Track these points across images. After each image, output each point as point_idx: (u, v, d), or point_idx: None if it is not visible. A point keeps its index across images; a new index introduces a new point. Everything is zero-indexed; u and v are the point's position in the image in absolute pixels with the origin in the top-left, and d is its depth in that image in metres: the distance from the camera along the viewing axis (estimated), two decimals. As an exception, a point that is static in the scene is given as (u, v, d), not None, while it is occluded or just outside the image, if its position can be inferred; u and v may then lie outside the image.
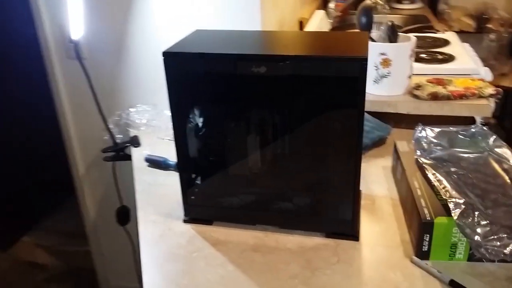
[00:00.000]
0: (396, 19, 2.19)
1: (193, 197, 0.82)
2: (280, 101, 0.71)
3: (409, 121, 1.15)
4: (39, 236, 2.16)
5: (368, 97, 1.10)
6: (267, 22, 1.23)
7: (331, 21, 1.93)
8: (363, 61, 0.63)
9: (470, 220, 0.67)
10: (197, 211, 0.83)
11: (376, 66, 1.13)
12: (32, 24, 1.31)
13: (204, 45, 0.75)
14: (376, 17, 1.21)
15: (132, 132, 1.22)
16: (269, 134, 0.74)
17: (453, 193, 0.72)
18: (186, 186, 0.81)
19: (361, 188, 0.90)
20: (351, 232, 0.77)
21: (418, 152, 0.86)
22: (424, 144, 0.88)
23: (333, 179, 0.75)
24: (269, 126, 0.73)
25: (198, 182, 0.82)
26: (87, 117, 1.36)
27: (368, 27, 1.11)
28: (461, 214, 0.67)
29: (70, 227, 2.07)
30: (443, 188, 0.74)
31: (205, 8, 1.19)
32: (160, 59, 0.69)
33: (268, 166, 0.77)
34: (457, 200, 0.69)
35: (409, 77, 1.16)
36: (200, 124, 0.76)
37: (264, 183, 0.79)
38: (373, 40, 1.14)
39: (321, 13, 1.99)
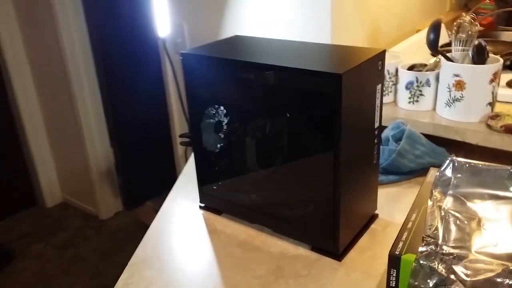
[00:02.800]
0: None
1: (207, 188, 0.90)
2: (266, 110, 0.73)
3: (482, 155, 1.03)
4: (158, 203, 2.49)
5: (436, 120, 1.04)
6: (348, 34, 1.22)
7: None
8: (338, 78, 0.62)
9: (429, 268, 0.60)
10: (210, 200, 0.91)
11: (448, 88, 1.04)
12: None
13: (222, 50, 0.81)
14: (469, 35, 1.09)
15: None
16: (262, 140, 0.77)
17: (437, 233, 0.65)
18: (201, 177, 0.90)
19: (380, 213, 0.87)
20: (332, 250, 0.75)
21: (438, 184, 0.78)
22: (451, 176, 0.79)
23: (315, 195, 0.74)
24: (262, 133, 0.76)
25: (212, 175, 0.89)
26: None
27: (435, 44, 1.01)
28: (426, 257, 0.61)
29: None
30: (432, 226, 0.67)
31: (283, 17, 1.24)
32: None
33: (264, 171, 0.80)
34: (431, 241, 0.62)
35: (489, 104, 1.03)
36: (211, 123, 0.83)
37: (262, 187, 0.82)
38: (448, 59, 1.04)
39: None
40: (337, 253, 0.75)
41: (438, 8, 1.96)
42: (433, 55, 1.14)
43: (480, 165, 0.80)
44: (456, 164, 0.81)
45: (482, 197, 0.74)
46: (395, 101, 1.18)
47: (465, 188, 0.76)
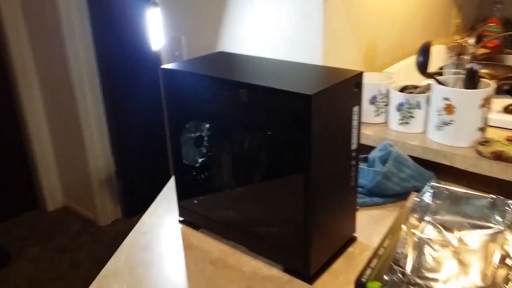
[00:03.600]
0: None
1: (186, 202, 0.90)
2: (242, 127, 0.73)
3: (471, 180, 1.01)
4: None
5: (426, 143, 1.02)
6: (341, 54, 1.22)
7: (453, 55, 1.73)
8: (307, 98, 0.61)
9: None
10: (188, 214, 0.90)
11: (438, 111, 1.02)
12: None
13: (202, 65, 0.81)
14: (461, 59, 1.08)
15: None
16: (238, 157, 0.76)
17: (405, 262, 0.63)
18: (180, 191, 0.89)
19: (360, 236, 0.85)
20: (303, 273, 0.74)
21: (416, 209, 0.76)
22: (429, 202, 0.77)
23: (288, 215, 0.73)
24: (238, 149, 0.76)
25: (191, 189, 0.89)
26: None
27: (423, 66, 1.00)
28: (391, 286, 0.59)
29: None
30: (402, 253, 0.65)
31: (276, 35, 1.24)
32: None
33: (240, 188, 0.80)
34: (399, 269, 0.61)
35: (480, 129, 1.01)
36: (191, 137, 0.83)
37: (238, 204, 0.82)
38: (439, 82, 1.03)
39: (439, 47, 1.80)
40: (308, 276, 0.73)
41: (443, 29, 1.95)
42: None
43: (461, 193, 0.79)
44: (436, 190, 0.79)
45: (460, 226, 0.72)
46: (386, 122, 1.17)
47: (444, 216, 0.75)
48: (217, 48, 1.38)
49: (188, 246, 0.85)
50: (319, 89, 0.63)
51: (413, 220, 0.74)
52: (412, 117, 1.09)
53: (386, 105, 1.16)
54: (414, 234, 0.70)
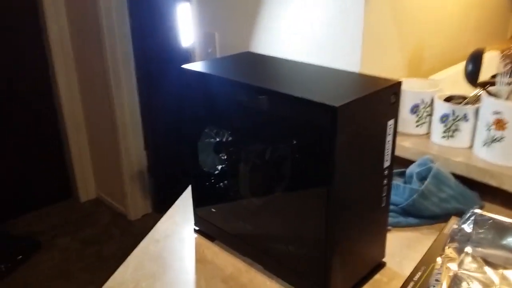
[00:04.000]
0: None
1: (202, 211, 0.84)
2: (261, 136, 0.66)
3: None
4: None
5: (472, 160, 0.92)
6: (382, 59, 1.12)
7: (508, 64, 1.58)
8: (333, 111, 0.54)
9: None
10: (204, 224, 0.85)
11: (487, 126, 0.91)
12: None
13: (223, 67, 0.75)
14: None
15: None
16: (256, 167, 0.70)
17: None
18: (197, 199, 0.84)
19: (390, 261, 0.77)
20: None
21: (455, 238, 0.67)
22: (471, 231, 0.68)
23: (308, 235, 0.66)
24: (256, 159, 0.69)
25: (207, 198, 0.83)
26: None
27: (473, 76, 0.90)
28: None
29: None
30: (437, 292, 0.57)
31: (311, 36, 1.16)
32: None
33: (257, 200, 0.73)
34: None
35: (536, 148, 0.89)
36: (210, 143, 0.77)
37: (255, 217, 0.75)
38: (490, 94, 0.92)
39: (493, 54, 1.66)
40: (327, 303, 0.66)
41: (499, 33, 1.79)
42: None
43: (508, 223, 0.68)
44: (479, 217, 0.70)
45: (505, 262, 0.63)
46: (429, 133, 1.06)
47: (486, 249, 0.65)
48: (249, 47, 1.32)
49: (200, 260, 0.79)
50: (347, 101, 0.55)
51: (450, 251, 0.65)
52: (457, 130, 0.99)
53: (429, 115, 1.06)
54: (450, 268, 0.61)
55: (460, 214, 0.86)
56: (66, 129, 2.60)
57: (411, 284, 0.60)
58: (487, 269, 0.61)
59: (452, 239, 0.67)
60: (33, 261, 2.21)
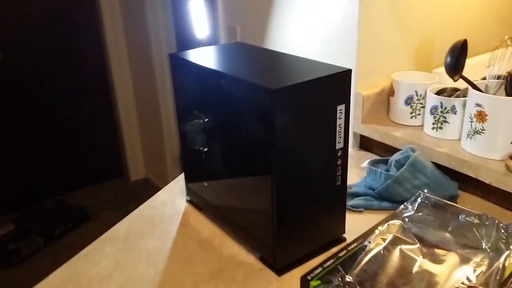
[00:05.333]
0: None
1: (192, 183, 0.95)
2: (227, 117, 0.75)
3: (499, 197, 0.92)
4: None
5: (453, 151, 0.95)
6: (379, 48, 1.16)
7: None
8: (271, 93, 0.62)
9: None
10: (193, 196, 0.96)
11: (470, 118, 0.94)
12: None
13: (205, 55, 0.84)
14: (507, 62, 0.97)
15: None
16: (224, 147, 0.79)
17: (353, 266, 0.61)
18: (186, 173, 0.95)
19: (349, 237, 0.83)
20: (272, 264, 0.75)
21: (398, 216, 0.72)
22: (414, 212, 0.73)
23: (263, 207, 0.74)
24: (224, 140, 0.78)
25: (194, 172, 0.94)
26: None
27: (452, 69, 0.92)
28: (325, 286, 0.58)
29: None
30: (356, 259, 0.63)
31: (312, 32, 1.23)
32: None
33: (224, 176, 0.82)
34: (340, 273, 0.59)
35: (517, 142, 0.91)
36: (197, 123, 0.87)
37: (225, 191, 0.84)
38: (474, 87, 0.94)
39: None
40: (276, 267, 0.74)
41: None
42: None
43: (452, 207, 0.73)
44: (425, 200, 0.75)
45: (438, 241, 0.68)
46: (423, 125, 1.10)
47: (423, 228, 0.70)
48: (265, 40, 1.41)
49: (184, 224, 0.90)
50: (286, 84, 0.63)
51: (392, 227, 0.71)
52: (446, 122, 1.02)
53: (423, 107, 1.09)
54: (383, 240, 0.67)
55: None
56: (120, 115, 2.84)
57: (343, 251, 0.67)
58: (415, 246, 0.66)
59: (394, 217, 0.72)
60: (82, 229, 2.46)
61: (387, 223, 0.71)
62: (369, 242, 0.66)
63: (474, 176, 0.92)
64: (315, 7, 1.19)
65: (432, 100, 1.03)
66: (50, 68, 2.62)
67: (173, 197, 1.00)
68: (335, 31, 1.15)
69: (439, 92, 1.05)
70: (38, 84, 2.60)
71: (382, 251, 0.64)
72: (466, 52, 0.92)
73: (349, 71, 0.70)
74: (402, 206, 0.75)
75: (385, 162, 1.03)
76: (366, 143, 1.20)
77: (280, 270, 0.75)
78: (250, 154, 0.72)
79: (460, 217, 0.70)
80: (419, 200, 0.75)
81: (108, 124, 2.90)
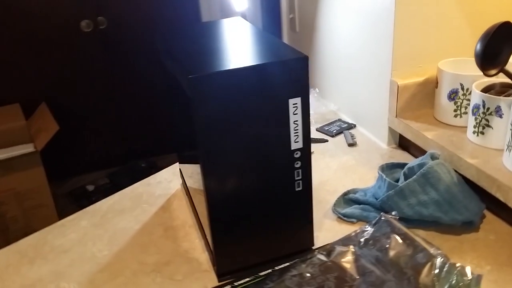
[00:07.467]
0: None
1: (181, 164, 0.92)
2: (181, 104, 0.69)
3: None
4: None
5: (489, 166, 0.77)
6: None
7: None
8: (188, 80, 0.54)
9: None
10: (183, 178, 0.92)
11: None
12: None
13: (188, 33, 0.78)
14: None
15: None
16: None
17: None
18: (178, 157, 0.92)
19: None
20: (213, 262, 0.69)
21: (350, 238, 0.60)
22: (367, 235, 0.59)
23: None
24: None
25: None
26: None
27: (481, 58, 0.69)
28: None
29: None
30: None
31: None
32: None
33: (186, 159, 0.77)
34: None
35: None
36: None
37: (192, 177, 0.79)
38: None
39: None
40: (216, 272, 0.68)
41: None
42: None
43: (407, 240, 0.58)
44: (384, 224, 0.61)
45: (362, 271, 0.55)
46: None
47: (364, 257, 0.58)
48: (318, 17, 1.28)
49: (164, 207, 0.88)
50: (212, 71, 0.55)
51: (334, 246, 0.59)
52: (488, 126, 0.81)
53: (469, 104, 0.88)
54: (318, 260, 0.56)
55: (438, 222, 0.74)
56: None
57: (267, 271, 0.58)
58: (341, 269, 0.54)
59: (347, 240, 0.60)
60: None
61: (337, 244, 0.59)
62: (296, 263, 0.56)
63: (503, 201, 0.72)
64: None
65: (475, 97, 0.82)
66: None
67: (171, 177, 0.98)
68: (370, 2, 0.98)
69: (487, 89, 0.84)
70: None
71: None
72: (510, 39, 0.70)
73: (304, 58, 0.58)
74: (359, 229, 0.62)
75: (404, 167, 0.86)
76: (404, 141, 1.02)
77: (221, 275, 0.68)
78: (192, 145, 0.66)
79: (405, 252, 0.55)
80: (378, 224, 0.61)
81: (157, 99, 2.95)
